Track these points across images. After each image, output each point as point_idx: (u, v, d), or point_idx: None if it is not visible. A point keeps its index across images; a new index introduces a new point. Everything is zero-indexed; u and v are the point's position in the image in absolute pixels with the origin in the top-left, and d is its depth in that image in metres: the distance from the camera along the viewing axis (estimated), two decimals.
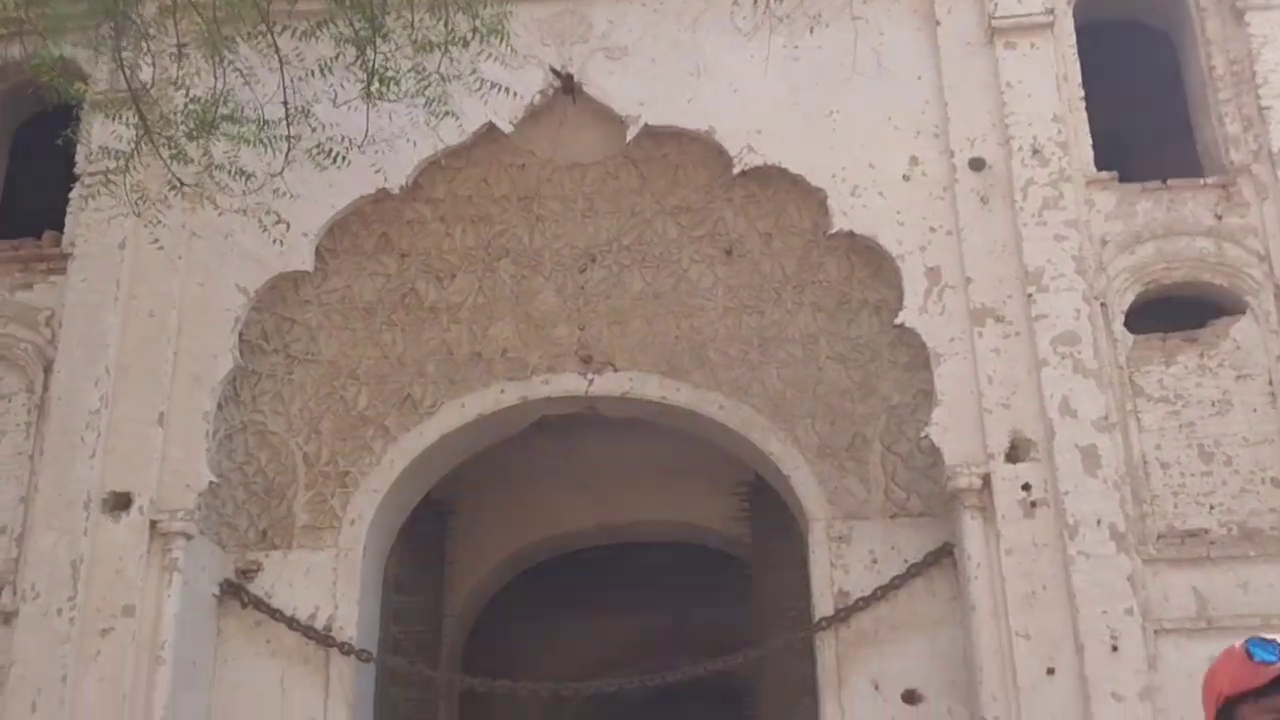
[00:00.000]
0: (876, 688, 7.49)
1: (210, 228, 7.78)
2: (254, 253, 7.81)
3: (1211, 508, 7.09)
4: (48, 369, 7.81)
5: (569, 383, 8.27)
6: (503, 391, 8.28)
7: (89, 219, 7.90)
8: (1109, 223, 7.59)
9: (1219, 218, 7.55)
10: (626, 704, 14.47)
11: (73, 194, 8.07)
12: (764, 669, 9.06)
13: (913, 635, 7.52)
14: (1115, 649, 6.73)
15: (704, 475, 9.88)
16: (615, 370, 8.26)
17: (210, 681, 7.68)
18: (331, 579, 7.93)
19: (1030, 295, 7.34)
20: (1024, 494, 7.11)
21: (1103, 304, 7.41)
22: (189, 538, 7.48)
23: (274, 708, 7.66)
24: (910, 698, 7.44)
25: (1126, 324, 7.45)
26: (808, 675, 7.90)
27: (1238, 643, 2.30)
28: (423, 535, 9.22)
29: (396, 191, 8.04)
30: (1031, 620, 6.90)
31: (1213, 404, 7.27)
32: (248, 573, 7.93)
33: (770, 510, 8.94)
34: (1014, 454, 7.18)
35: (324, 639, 7.76)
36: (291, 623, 7.79)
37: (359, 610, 7.93)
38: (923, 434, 7.42)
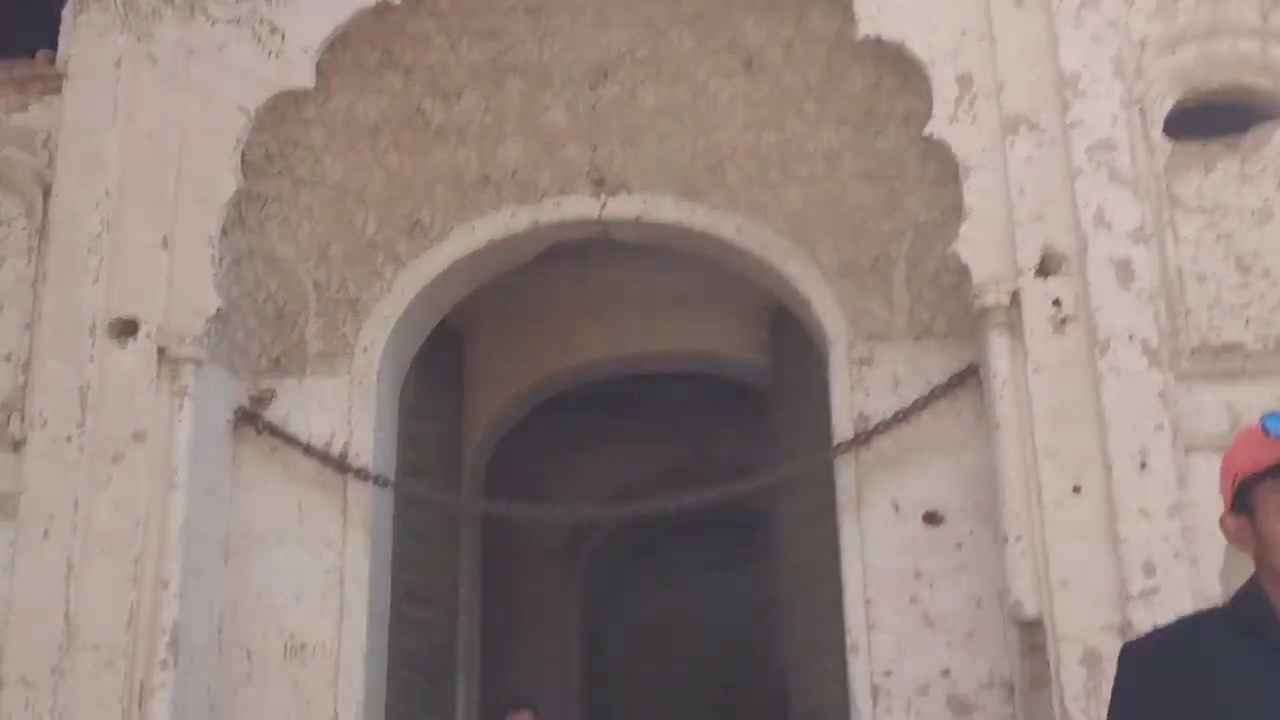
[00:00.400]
0: (897, 509, 7.39)
1: (207, 44, 7.47)
2: (253, 70, 7.50)
3: (1247, 321, 6.84)
4: (46, 193, 7.58)
5: (581, 206, 8.01)
6: (513, 215, 8.03)
7: (82, 36, 7.60)
8: (1149, 23, 7.16)
9: (1264, 17, 7.13)
10: (647, 536, 14.59)
11: (65, 10, 7.75)
12: (782, 496, 8.99)
13: (935, 457, 7.39)
14: (1144, 466, 6.56)
15: (723, 303, 9.69)
16: (629, 192, 7.99)
17: (227, 507, 7.64)
18: (346, 406, 7.83)
19: (1066, 101, 6.98)
20: (1054, 310, 6.87)
21: (1141, 110, 7.05)
22: (198, 364, 7.35)
23: (292, 532, 7.63)
24: (931, 519, 7.33)
25: (1165, 131, 7.10)
26: (827, 500, 7.80)
27: (1255, 421, 2.13)
28: (438, 363, 9.09)
29: (398, 2, 7.67)
30: (1058, 438, 6.73)
31: (1252, 213, 6.96)
32: (261, 400, 7.83)
33: (790, 337, 8.75)
34: (1045, 268, 6.91)
35: (340, 465, 7.69)
36: (307, 449, 7.71)
37: (374, 437, 7.84)
38: (950, 250, 7.16)
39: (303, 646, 7.50)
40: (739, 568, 13.91)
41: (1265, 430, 2.08)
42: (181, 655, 7.01)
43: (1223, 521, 2.13)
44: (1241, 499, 2.10)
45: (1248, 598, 2.10)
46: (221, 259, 7.59)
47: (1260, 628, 2.02)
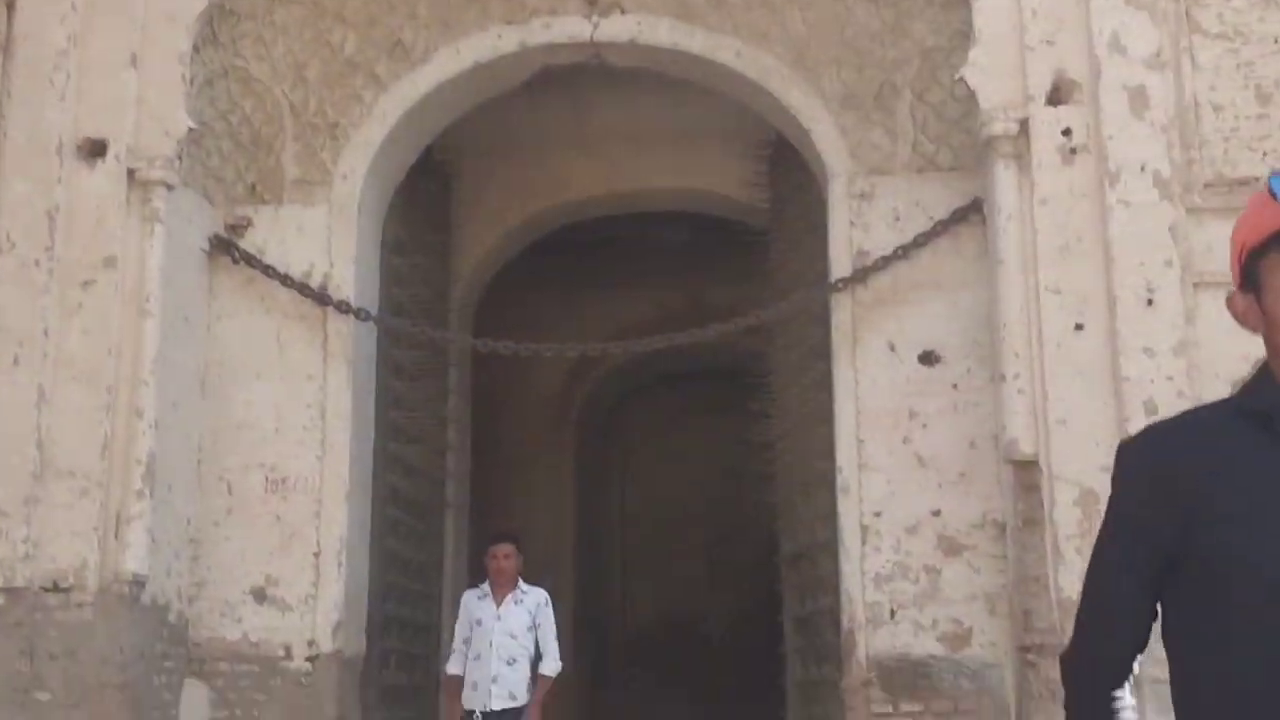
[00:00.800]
0: (893, 349, 7.19)
1: None
2: None
3: (1265, 154, 6.53)
4: (10, 6, 7.20)
5: (572, 26, 7.63)
6: (500, 36, 7.65)
7: None
8: None
9: None
10: (641, 383, 14.45)
11: None
12: (777, 337, 8.77)
13: (933, 296, 7.16)
14: (1150, 303, 6.33)
15: (720, 138, 9.35)
16: (623, 12, 7.60)
17: (203, 337, 7.44)
18: (325, 236, 7.57)
19: None
20: (1064, 139, 6.57)
21: None
22: (170, 188, 7.07)
23: (271, 364, 7.44)
24: (927, 358, 7.14)
25: None
26: (821, 341, 7.60)
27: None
28: (424, 197, 8.79)
29: None
30: (1063, 274, 6.49)
31: (1275, 40, 6.59)
32: (237, 228, 7.57)
33: (789, 173, 8.45)
34: (1056, 96, 6.59)
35: (320, 297, 7.46)
36: (286, 280, 7.47)
37: (355, 269, 7.60)
38: (957, 76, 6.83)
39: (284, 480, 7.37)
40: (731, 414, 13.79)
41: (1272, 193, 1.79)
42: (158, 486, 6.88)
43: (1230, 300, 1.87)
44: (1249, 274, 1.83)
45: (1257, 386, 1.85)
46: (193, 78, 7.26)
47: (1271, 417, 1.78)
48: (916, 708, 6.79)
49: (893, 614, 6.92)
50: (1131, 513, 1.84)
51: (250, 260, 7.45)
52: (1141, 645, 1.86)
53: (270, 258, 7.48)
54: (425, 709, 8.63)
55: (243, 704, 7.12)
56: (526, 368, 11.46)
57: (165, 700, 6.97)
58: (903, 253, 7.16)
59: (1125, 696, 1.85)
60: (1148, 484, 1.82)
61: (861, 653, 6.90)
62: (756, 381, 9.03)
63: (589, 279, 12.04)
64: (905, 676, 6.84)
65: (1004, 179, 6.66)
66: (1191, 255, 6.40)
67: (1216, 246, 6.36)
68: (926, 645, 6.85)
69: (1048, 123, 6.58)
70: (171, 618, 7.07)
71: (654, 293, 12.12)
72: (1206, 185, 6.53)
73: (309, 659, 7.17)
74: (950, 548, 6.92)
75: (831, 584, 7.31)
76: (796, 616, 8.32)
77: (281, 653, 7.19)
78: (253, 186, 7.60)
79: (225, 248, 7.48)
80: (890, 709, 6.81)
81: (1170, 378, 6.25)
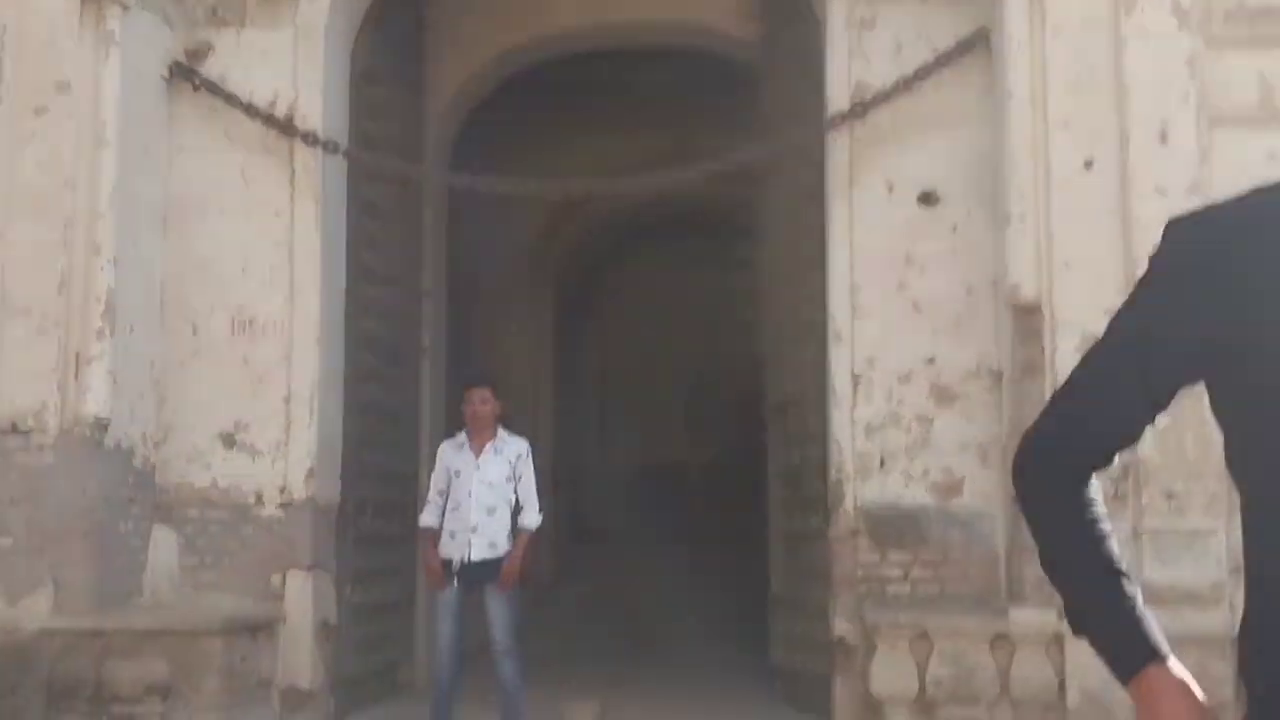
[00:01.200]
0: (890, 189, 6.88)
1: None
2: None
3: None
4: None
5: None
6: None
7: None
8: None
9: None
10: (624, 230, 14.09)
11: None
12: (767, 182, 8.41)
13: (935, 133, 6.82)
14: (1164, 139, 6.01)
15: None
16: None
17: (164, 170, 7.06)
18: (291, 63, 7.14)
19: None
20: None
21: None
22: (125, 8, 6.60)
23: (235, 198, 7.08)
24: (927, 199, 6.84)
25: None
26: (813, 184, 7.27)
27: None
28: (396, 25, 8.28)
29: None
30: (1073, 108, 6.15)
31: None
32: (198, 54, 7.13)
33: (783, 2, 7.99)
34: None
35: (286, 128, 7.07)
36: (250, 110, 7.06)
37: (323, 98, 7.20)
38: None
39: (251, 321, 7.08)
40: (716, 264, 13.50)
41: None
42: (119, 325, 6.57)
43: None
44: None
45: None
46: None
47: None
48: (905, 557, 6.66)
49: (883, 464, 6.74)
50: (1169, 296, 1.58)
51: (212, 88, 7.02)
52: (1128, 440, 1.66)
53: (233, 85, 7.06)
54: (404, 557, 8.46)
55: (213, 551, 6.93)
56: (506, 209, 11.07)
57: (133, 546, 6.77)
58: (904, 86, 6.80)
59: (1095, 484, 1.64)
60: (1199, 268, 1.55)
61: (850, 503, 6.73)
62: (745, 227, 8.71)
63: (572, 123, 11.56)
64: (894, 526, 6.69)
65: (1014, 6, 6.27)
66: (1208, 90, 6.05)
67: (1235, 81, 6.05)
68: (917, 495, 6.69)
69: None
70: (137, 462, 6.82)
71: (641, 137, 11.65)
72: (1228, 15, 6.15)
73: (281, 505, 6.97)
74: (943, 396, 6.71)
75: (819, 434, 7.11)
76: (782, 466, 8.14)
77: (252, 499, 6.99)
78: (213, 9, 7.14)
79: (185, 75, 7.05)
80: (878, 558, 6.68)
81: None
